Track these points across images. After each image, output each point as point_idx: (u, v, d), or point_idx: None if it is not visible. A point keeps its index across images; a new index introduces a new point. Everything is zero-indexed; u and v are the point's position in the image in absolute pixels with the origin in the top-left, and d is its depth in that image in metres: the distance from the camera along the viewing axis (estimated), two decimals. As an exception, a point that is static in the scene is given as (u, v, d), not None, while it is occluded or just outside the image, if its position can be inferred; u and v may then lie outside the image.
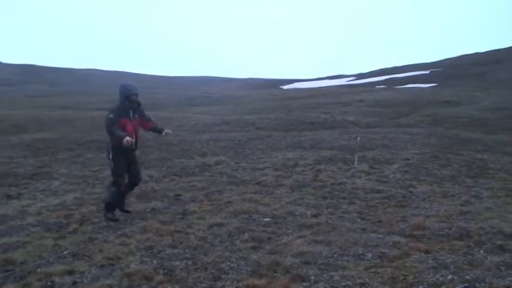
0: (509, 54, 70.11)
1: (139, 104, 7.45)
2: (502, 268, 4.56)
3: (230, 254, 5.48)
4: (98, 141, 17.14)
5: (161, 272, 5.03)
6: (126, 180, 7.45)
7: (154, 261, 5.35)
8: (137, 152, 14.58)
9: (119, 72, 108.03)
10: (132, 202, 8.46)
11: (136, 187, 8.00)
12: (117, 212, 7.52)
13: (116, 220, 7.25)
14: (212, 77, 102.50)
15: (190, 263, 5.28)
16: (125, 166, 7.37)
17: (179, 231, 6.53)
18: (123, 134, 6.93)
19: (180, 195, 9.01)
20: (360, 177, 10.17)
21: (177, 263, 5.30)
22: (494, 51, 76.61)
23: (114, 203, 7.45)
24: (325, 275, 4.68)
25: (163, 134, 8.05)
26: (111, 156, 7.28)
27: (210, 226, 6.73)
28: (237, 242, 6.01)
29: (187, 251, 5.71)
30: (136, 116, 7.42)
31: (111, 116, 7.09)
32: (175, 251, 5.72)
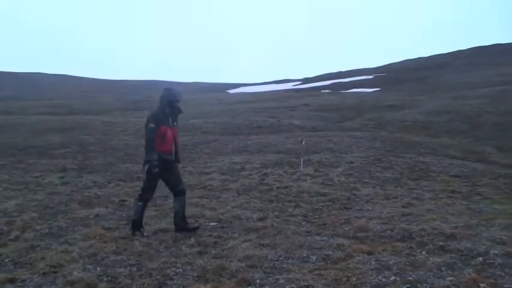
0: (451, 58, 72.68)
1: (180, 111, 6.94)
2: (443, 268, 4.68)
3: (175, 260, 5.41)
4: (39, 146, 16.70)
5: (105, 279, 4.91)
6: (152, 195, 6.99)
7: (98, 269, 5.22)
8: (80, 157, 14.37)
9: (60, 75, 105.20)
10: (75, 209, 8.27)
11: (184, 197, 6.99)
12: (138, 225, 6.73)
13: (146, 237, 6.49)
14: (157, 80, 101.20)
15: (134, 269, 5.18)
16: (157, 180, 6.73)
17: (123, 238, 6.40)
18: (153, 160, 6.47)
19: (124, 200, 8.87)
20: (305, 180, 10.30)
21: (121, 269, 5.18)
22: (436, 56, 79.19)
23: (141, 219, 6.73)
24: (270, 278, 4.70)
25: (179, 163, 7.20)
26: (145, 168, 6.64)
27: (155, 232, 6.66)
28: (183, 247, 5.95)
29: (131, 257, 5.60)
30: (176, 123, 6.87)
31: (152, 125, 6.56)
32: (119, 257, 5.59)
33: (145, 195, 6.75)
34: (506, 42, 76.41)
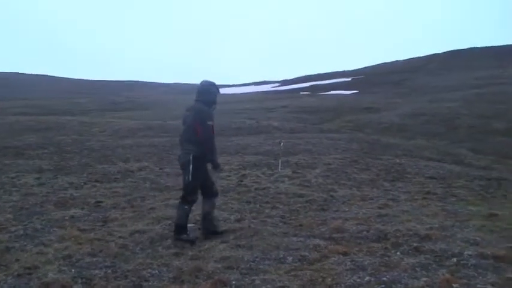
0: (427, 62, 73.51)
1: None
2: (418, 269, 4.73)
3: (152, 261, 5.39)
4: (16, 147, 16.48)
5: (79, 281, 4.86)
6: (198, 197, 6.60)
7: (73, 270, 5.16)
8: (56, 158, 14.23)
9: (38, 75, 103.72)
10: (50, 210, 8.17)
11: (216, 199, 6.91)
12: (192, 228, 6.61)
13: (194, 241, 6.24)
14: (137, 81, 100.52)
15: (110, 271, 5.14)
16: (201, 181, 6.46)
17: (99, 239, 6.34)
18: (217, 161, 6.38)
19: (101, 202, 8.77)
20: (283, 181, 10.32)
21: (96, 271, 5.14)
22: (412, 59, 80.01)
23: (186, 224, 6.45)
24: (246, 279, 4.71)
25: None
26: (191, 167, 6.27)
27: (132, 233, 6.60)
28: (159, 248, 5.93)
29: (107, 259, 5.55)
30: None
31: (211, 123, 6.29)
32: (95, 259, 5.54)
33: (191, 197, 6.45)
34: (481, 46, 77.48)
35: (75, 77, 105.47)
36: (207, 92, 6.53)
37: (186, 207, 6.41)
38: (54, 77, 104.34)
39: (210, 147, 6.32)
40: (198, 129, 6.26)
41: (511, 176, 11.67)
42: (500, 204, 8.32)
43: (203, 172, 6.43)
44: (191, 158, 6.26)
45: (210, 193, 6.64)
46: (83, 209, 8.33)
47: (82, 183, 10.70)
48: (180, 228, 6.34)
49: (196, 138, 6.29)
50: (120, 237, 6.45)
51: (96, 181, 10.89)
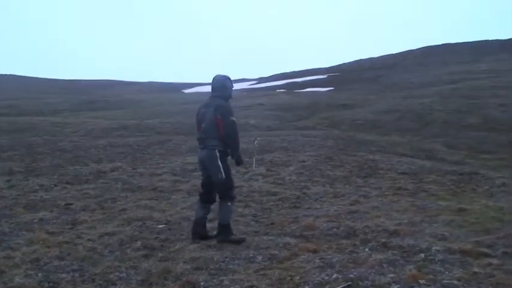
0: (401, 58, 74.15)
1: None
2: (385, 265, 4.76)
3: (120, 264, 5.32)
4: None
5: (46, 285, 4.78)
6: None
7: (40, 274, 5.07)
8: (28, 160, 14.01)
9: (6, 75, 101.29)
10: (19, 213, 8.01)
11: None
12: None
13: (244, 240, 6.04)
14: (112, 80, 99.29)
15: (77, 275, 5.07)
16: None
17: (67, 242, 6.23)
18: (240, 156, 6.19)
19: (71, 204, 8.63)
20: (257, 180, 10.32)
21: (64, 275, 5.06)
22: (387, 56, 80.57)
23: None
24: (215, 280, 4.69)
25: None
26: (219, 163, 6.11)
27: (101, 235, 6.50)
28: (128, 250, 5.85)
29: (74, 262, 5.46)
30: None
31: (234, 119, 6.13)
32: (62, 262, 5.45)
33: (232, 192, 6.31)
34: (455, 41, 78.40)
35: (47, 77, 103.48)
36: (224, 86, 6.39)
37: (229, 203, 6.20)
38: (25, 76, 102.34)
39: (234, 143, 6.17)
40: (220, 125, 6.09)
41: (483, 171, 11.77)
42: (470, 198, 8.40)
43: (229, 167, 6.27)
44: (217, 153, 6.12)
45: (213, 198, 6.51)
46: (52, 211, 8.19)
47: (53, 185, 10.52)
48: (227, 229, 6.13)
49: (219, 134, 6.11)
50: (88, 239, 6.36)
51: (67, 183, 10.72)
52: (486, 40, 74.66)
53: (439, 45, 79.23)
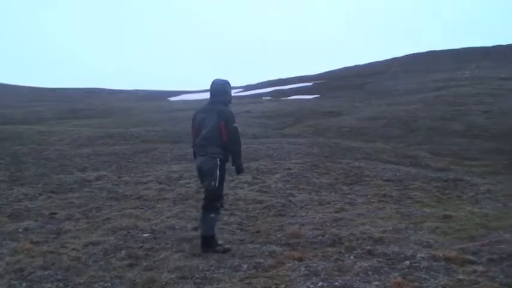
0: (387, 66, 74.55)
1: None
2: (370, 273, 4.78)
3: (104, 274, 5.29)
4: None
5: (29, 295, 4.76)
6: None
7: (24, 284, 5.05)
8: (12, 169, 13.87)
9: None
10: (4, 222, 7.91)
11: None
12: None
13: (229, 250, 5.92)
14: (97, 88, 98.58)
15: (61, 284, 5.04)
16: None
17: (52, 252, 6.18)
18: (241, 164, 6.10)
19: (55, 213, 8.55)
20: (242, 188, 10.29)
21: (48, 285, 5.03)
22: (372, 64, 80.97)
23: (214, 234, 6.07)
24: (200, 289, 4.67)
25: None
26: (218, 173, 6.00)
27: (85, 245, 6.45)
28: (113, 260, 5.81)
29: (58, 272, 5.42)
30: None
31: (237, 125, 6.06)
32: (46, 272, 5.41)
33: (219, 203, 6.15)
34: (440, 49, 79.07)
35: (33, 85, 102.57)
36: (224, 91, 6.31)
37: (212, 215, 6.03)
38: (9, 85, 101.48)
39: (237, 150, 6.08)
40: (224, 132, 5.97)
41: (468, 177, 11.85)
42: (455, 205, 8.46)
43: (225, 177, 6.19)
44: (218, 162, 6.00)
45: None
46: (36, 220, 8.11)
47: (37, 194, 10.43)
48: (211, 240, 6.00)
49: (222, 141, 6.00)
50: (73, 249, 6.30)
51: (52, 192, 10.63)
52: (470, 47, 75.35)
53: (423, 52, 79.81)
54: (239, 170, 6.23)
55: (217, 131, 5.97)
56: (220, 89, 6.29)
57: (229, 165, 6.28)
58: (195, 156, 6.40)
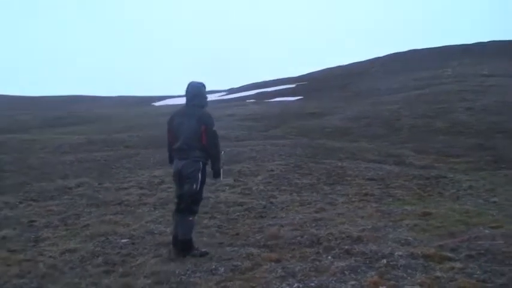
0: (369, 66, 74.82)
1: None
2: (347, 272, 4.76)
3: (80, 281, 5.23)
4: None
5: (4, 305, 4.68)
6: None
7: (-1, 294, 4.98)
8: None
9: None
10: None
11: None
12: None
13: (207, 253, 5.87)
14: (81, 95, 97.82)
15: (36, 293, 4.97)
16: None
17: (29, 260, 6.12)
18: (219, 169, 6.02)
19: (34, 221, 8.44)
20: (223, 190, 10.24)
21: (23, 294, 4.96)
22: (355, 64, 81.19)
23: (191, 237, 6.01)
24: (175, 293, 4.62)
25: None
26: (200, 176, 5.95)
27: (62, 252, 6.38)
28: (89, 267, 5.75)
29: (34, 280, 5.37)
30: None
31: (215, 129, 6.06)
32: (22, 281, 5.36)
33: (197, 207, 6.11)
34: (421, 47, 79.49)
35: (15, 94, 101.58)
36: (201, 94, 6.27)
37: (190, 218, 5.97)
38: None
39: (217, 153, 6.04)
40: (204, 135, 5.96)
41: (451, 174, 11.88)
42: (436, 202, 8.47)
43: (205, 180, 6.12)
44: (201, 165, 5.97)
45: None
46: (15, 229, 8.00)
47: (17, 203, 10.31)
48: (190, 244, 5.95)
49: (202, 145, 5.97)
50: (50, 257, 6.25)
51: (32, 200, 10.51)
52: (450, 45, 75.82)
53: (405, 51, 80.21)
54: (216, 174, 6.15)
55: (198, 135, 5.95)
56: (196, 92, 6.24)
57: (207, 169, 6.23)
58: (171, 160, 6.36)
